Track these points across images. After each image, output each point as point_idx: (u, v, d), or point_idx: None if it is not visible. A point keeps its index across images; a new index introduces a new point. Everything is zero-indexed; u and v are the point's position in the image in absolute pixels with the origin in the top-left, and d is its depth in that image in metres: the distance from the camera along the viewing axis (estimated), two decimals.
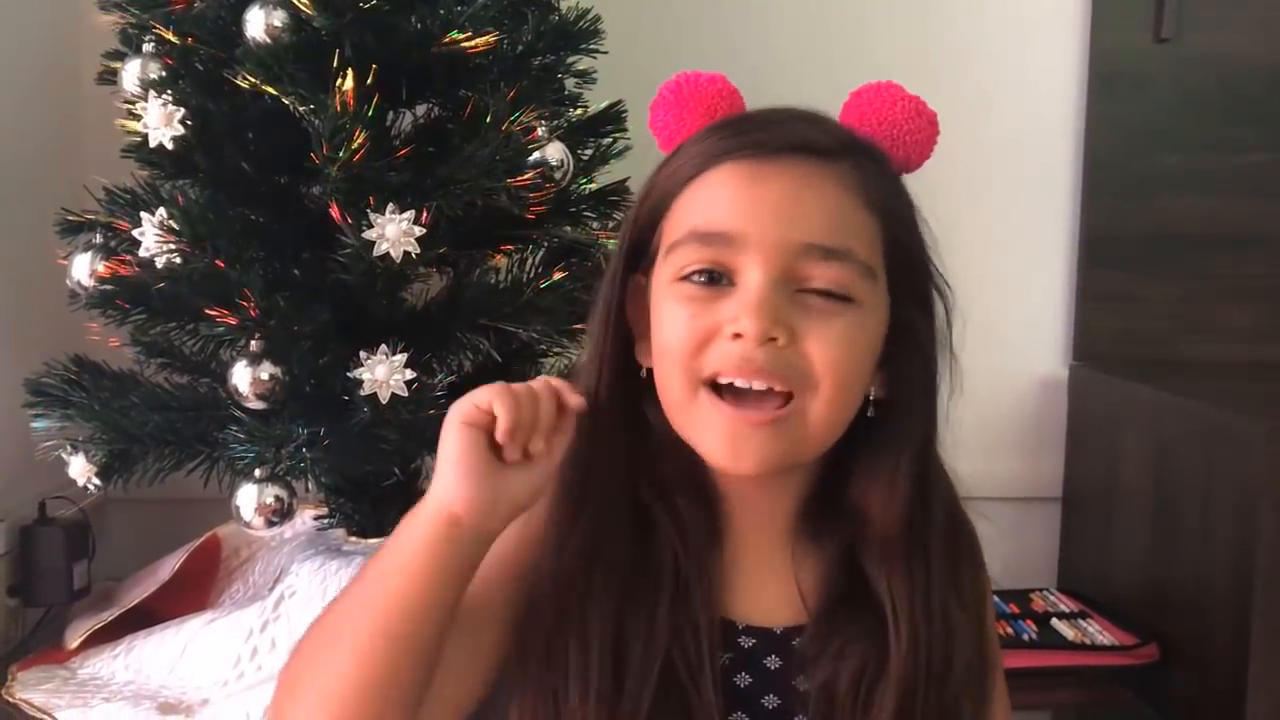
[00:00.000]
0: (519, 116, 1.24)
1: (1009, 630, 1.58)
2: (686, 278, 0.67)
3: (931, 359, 0.73)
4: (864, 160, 0.69)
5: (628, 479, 0.72)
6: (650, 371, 0.72)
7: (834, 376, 0.66)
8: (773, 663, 0.73)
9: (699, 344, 0.66)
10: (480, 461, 0.63)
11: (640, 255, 0.73)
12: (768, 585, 0.74)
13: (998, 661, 0.79)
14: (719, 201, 0.67)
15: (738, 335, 0.65)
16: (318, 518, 1.48)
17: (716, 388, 0.67)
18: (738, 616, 0.74)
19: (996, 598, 1.67)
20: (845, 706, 0.69)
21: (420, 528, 0.63)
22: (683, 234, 0.68)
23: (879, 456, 0.71)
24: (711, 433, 0.68)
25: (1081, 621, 1.61)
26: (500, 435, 0.63)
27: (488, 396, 0.63)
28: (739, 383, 0.66)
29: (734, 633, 0.73)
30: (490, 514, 0.63)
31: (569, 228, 1.39)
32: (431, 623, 0.63)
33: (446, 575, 0.63)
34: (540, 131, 1.25)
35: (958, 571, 0.74)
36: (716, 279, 0.67)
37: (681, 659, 0.68)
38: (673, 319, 0.68)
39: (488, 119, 1.24)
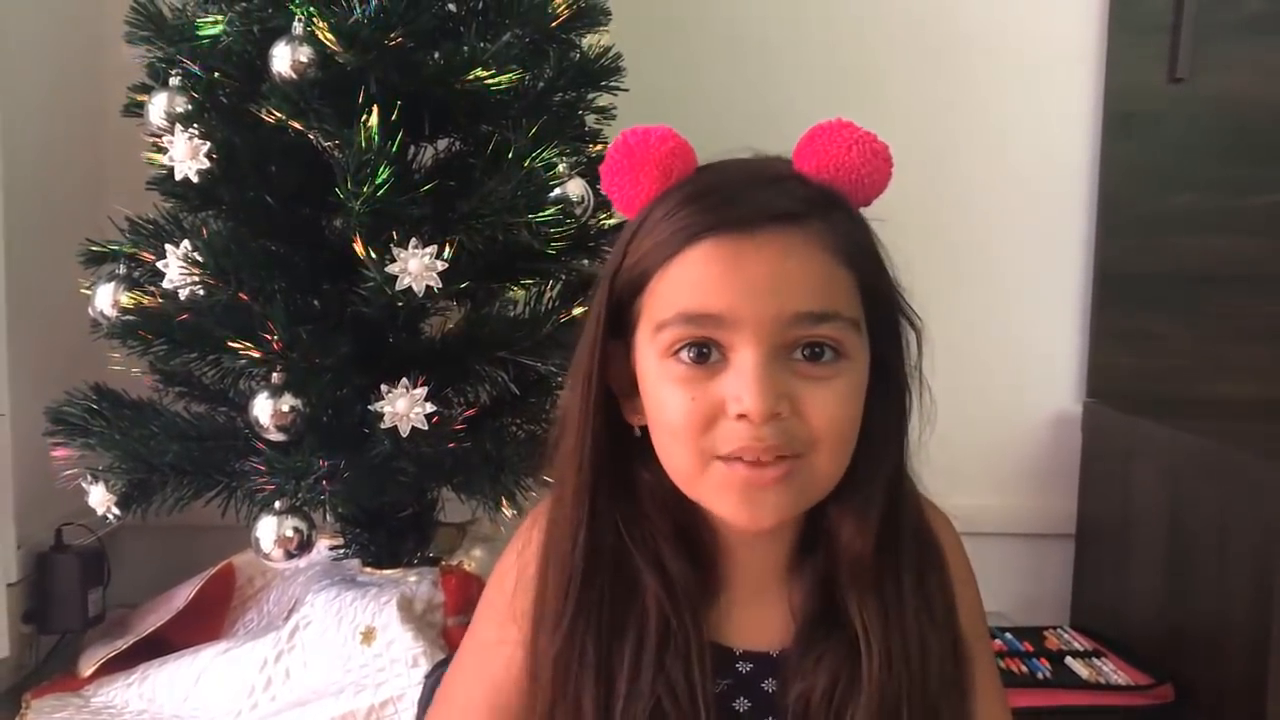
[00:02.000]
0: (540, 152, 1.25)
1: (1023, 668, 1.57)
2: (676, 353, 0.68)
3: (904, 390, 0.74)
4: (832, 213, 0.69)
5: (614, 541, 0.73)
6: (643, 430, 0.73)
7: (835, 434, 0.68)
8: (770, 686, 0.74)
9: (704, 425, 0.68)
10: None
11: (617, 323, 0.73)
12: (763, 612, 0.76)
13: (982, 646, 0.79)
14: (704, 282, 0.67)
15: (742, 415, 0.66)
16: (333, 548, 1.48)
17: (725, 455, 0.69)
18: (735, 643, 0.75)
19: (1010, 635, 1.67)
20: (818, 718, 0.70)
21: None
22: (670, 315, 0.68)
23: (851, 487, 0.72)
24: (727, 497, 0.69)
25: (1096, 660, 1.60)
26: None
27: None
28: (748, 456, 0.67)
29: (731, 659, 0.74)
30: None
31: (587, 261, 1.40)
32: None
33: None
34: (561, 167, 1.26)
35: (925, 585, 0.74)
36: (706, 354, 0.68)
37: (671, 706, 0.69)
38: (672, 401, 0.68)
39: (509, 155, 1.26)
